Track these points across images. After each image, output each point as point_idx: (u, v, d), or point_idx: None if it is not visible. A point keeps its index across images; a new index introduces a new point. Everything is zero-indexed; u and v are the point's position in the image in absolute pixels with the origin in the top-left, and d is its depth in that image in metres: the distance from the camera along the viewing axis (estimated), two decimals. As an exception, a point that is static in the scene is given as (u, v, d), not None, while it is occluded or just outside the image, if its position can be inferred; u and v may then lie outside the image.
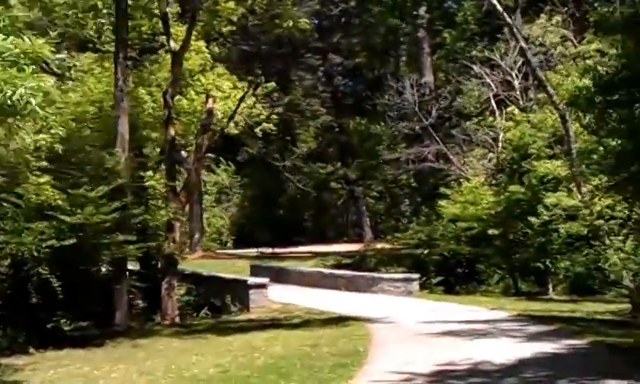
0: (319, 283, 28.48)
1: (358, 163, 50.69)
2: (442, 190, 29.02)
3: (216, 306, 25.48)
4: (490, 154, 29.11)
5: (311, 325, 19.21)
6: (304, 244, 55.05)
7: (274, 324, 20.00)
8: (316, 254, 41.67)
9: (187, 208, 48.42)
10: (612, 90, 14.66)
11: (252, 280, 24.33)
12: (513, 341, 14.83)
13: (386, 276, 26.79)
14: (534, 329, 16.55)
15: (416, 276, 26.46)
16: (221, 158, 60.47)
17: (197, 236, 44.26)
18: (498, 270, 29.38)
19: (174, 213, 21.66)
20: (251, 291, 23.86)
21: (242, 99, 24.17)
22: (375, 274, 27.09)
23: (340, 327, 18.13)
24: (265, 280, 24.88)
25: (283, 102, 56.17)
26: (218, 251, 47.18)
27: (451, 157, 30.30)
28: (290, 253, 45.74)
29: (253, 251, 47.79)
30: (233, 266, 36.19)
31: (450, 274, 29.92)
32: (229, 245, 58.08)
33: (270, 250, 47.41)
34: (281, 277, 30.68)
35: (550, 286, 26.86)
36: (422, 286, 28.42)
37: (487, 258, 29.01)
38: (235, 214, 61.17)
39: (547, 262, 26.57)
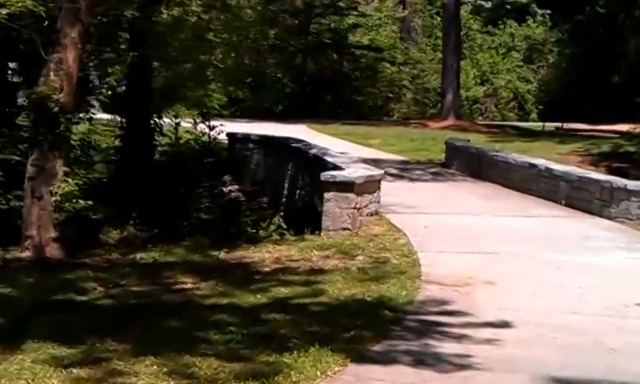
0: (530, 186, 14.92)
1: None
2: None
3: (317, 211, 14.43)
4: None
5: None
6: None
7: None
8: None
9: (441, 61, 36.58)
10: None
11: (331, 173, 11.94)
12: None
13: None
14: None
15: None
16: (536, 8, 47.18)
17: (449, 97, 31.48)
18: None
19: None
20: (327, 196, 11.72)
21: None
22: (616, 180, 12.75)
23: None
24: (375, 173, 12.64)
25: None
26: (478, 122, 33.97)
27: None
28: (594, 130, 31.36)
29: (542, 126, 33.92)
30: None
31: None
32: (532, 116, 45.00)
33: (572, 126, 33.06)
34: (480, 167, 17.62)
35: None
36: None
37: None
38: (547, 77, 47.12)
39: None
